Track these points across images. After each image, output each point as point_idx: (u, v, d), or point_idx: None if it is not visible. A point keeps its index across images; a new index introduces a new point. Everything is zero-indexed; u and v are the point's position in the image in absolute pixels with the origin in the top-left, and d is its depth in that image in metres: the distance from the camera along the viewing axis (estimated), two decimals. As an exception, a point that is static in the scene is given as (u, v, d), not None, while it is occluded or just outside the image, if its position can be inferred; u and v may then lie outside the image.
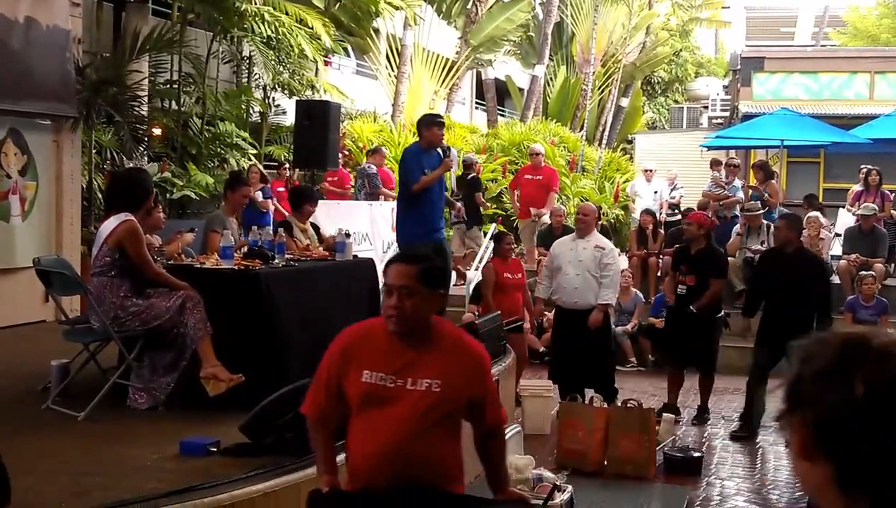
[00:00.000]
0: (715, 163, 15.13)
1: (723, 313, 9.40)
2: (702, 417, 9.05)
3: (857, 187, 14.17)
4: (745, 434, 8.58)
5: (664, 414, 8.34)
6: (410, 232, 8.24)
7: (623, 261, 13.07)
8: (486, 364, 3.62)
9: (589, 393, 8.26)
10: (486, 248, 14.36)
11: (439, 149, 8.61)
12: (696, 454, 7.56)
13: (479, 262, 13.90)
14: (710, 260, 9.03)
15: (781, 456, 7.99)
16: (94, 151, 12.69)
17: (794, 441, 1.41)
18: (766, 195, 13.08)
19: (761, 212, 12.43)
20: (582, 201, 17.28)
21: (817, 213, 13.06)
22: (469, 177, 14.57)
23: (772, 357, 8.50)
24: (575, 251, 8.63)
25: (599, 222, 12.74)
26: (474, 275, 13.15)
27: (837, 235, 14.05)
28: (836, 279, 11.80)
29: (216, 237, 6.68)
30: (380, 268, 10.83)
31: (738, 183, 14.14)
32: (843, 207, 14.69)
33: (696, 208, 13.27)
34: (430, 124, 9.03)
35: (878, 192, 13.40)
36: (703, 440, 8.41)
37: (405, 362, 3.40)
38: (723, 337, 9.54)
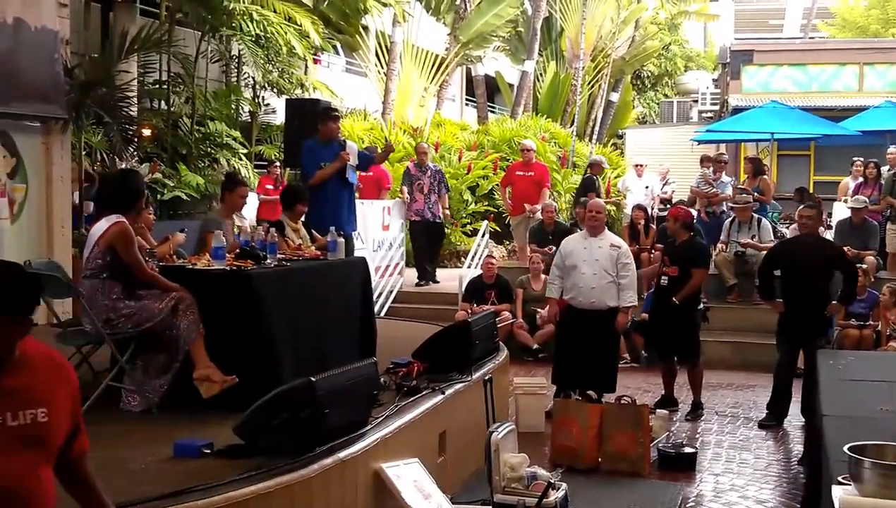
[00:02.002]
0: (704, 160, 15.18)
1: (702, 306, 9.50)
2: (695, 412, 9.05)
3: (848, 180, 14.21)
4: (773, 422, 8.80)
5: (658, 410, 8.35)
6: (316, 227, 8.18)
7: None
8: (77, 383, 3.06)
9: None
10: (479, 246, 14.38)
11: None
12: (690, 450, 7.57)
13: (472, 260, 13.92)
14: (692, 250, 9.06)
15: (774, 451, 8.02)
16: (83, 153, 12.66)
17: None
18: (756, 193, 13.12)
19: (750, 204, 12.47)
20: (574, 197, 17.28)
21: (808, 206, 13.08)
22: (585, 176, 15.10)
23: (793, 347, 8.74)
24: (589, 250, 8.35)
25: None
26: (467, 273, 13.16)
27: (829, 227, 14.10)
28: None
29: (211, 237, 6.69)
30: (372, 267, 10.86)
31: (726, 178, 14.21)
32: (835, 200, 14.75)
33: (685, 202, 13.34)
34: (325, 118, 9.04)
35: (876, 184, 13.44)
36: (697, 435, 8.42)
37: None
38: (714, 332, 9.57)
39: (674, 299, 8.81)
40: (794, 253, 8.94)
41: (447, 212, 14.48)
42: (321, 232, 7.74)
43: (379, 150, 10.36)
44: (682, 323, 8.95)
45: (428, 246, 14.25)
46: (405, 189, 13.97)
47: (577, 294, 8.38)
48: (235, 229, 7.20)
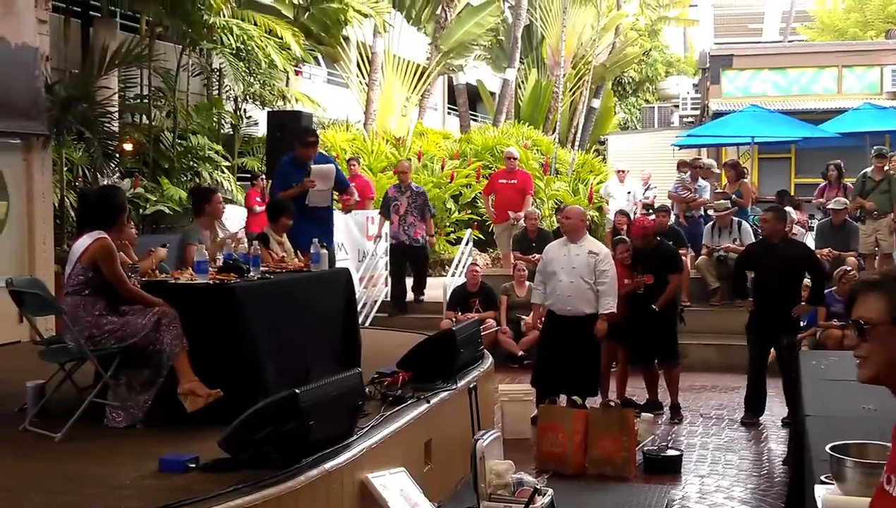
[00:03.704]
0: (682, 165, 15.27)
1: (680, 308, 9.68)
2: (677, 415, 9.10)
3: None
4: (752, 420, 8.99)
5: (643, 414, 8.39)
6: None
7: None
8: None
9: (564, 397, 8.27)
10: (462, 254, 14.40)
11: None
12: (675, 452, 7.60)
13: (456, 268, 13.94)
14: (665, 257, 9.16)
15: (759, 452, 8.06)
16: (65, 169, 12.65)
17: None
18: (735, 196, 13.20)
19: (730, 210, 12.55)
20: (557, 204, 17.35)
21: (789, 208, 13.16)
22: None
23: (763, 345, 8.90)
24: (568, 257, 8.37)
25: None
26: (451, 282, 13.18)
27: (811, 229, 14.19)
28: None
29: (193, 249, 6.70)
30: (356, 278, 10.84)
31: (703, 182, 14.29)
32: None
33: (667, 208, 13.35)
34: (300, 142, 9.07)
35: (839, 186, 13.57)
36: (682, 438, 8.46)
37: None
38: (698, 335, 9.65)
39: (653, 306, 8.89)
40: (761, 254, 9.09)
41: (431, 237, 13.47)
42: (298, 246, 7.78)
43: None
44: (664, 327, 9.05)
45: (411, 269, 13.48)
46: (383, 214, 13.29)
47: (556, 300, 8.43)
48: (219, 241, 7.21)
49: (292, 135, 9.94)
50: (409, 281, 13.57)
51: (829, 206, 12.78)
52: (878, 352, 2.22)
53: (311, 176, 8.99)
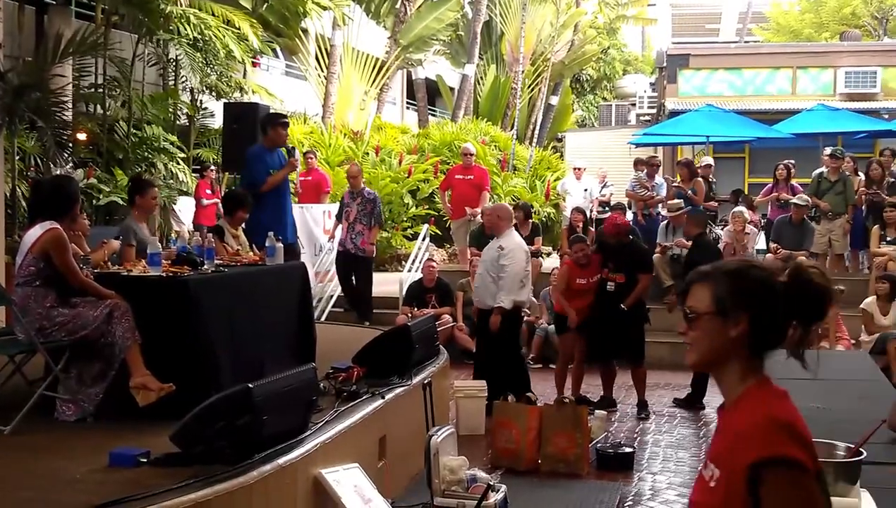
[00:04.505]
0: (638, 163, 15.37)
1: (647, 307, 9.72)
2: (644, 411, 9.18)
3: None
4: (685, 404, 9.48)
5: (596, 411, 8.44)
6: (264, 235, 8.09)
7: (555, 260, 13.19)
8: None
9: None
10: (419, 249, 14.39)
11: (285, 150, 8.79)
12: (628, 449, 7.66)
13: (413, 263, 13.93)
14: (638, 256, 9.24)
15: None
16: (17, 158, 12.47)
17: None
18: (690, 193, 13.31)
19: (682, 210, 12.64)
20: (514, 200, 17.40)
21: (742, 208, 13.30)
22: None
23: None
24: (487, 251, 8.86)
25: (530, 221, 12.89)
26: (407, 277, 13.16)
27: (763, 229, 14.35)
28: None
29: (131, 250, 6.63)
30: (312, 272, 10.80)
31: (659, 179, 14.40)
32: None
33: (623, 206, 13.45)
34: (274, 124, 9.02)
35: (787, 186, 13.74)
36: (635, 435, 8.52)
37: None
38: (653, 333, 9.76)
39: (622, 306, 8.96)
40: None
41: (371, 246, 12.35)
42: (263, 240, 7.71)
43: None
44: (632, 326, 9.14)
45: (354, 281, 12.43)
46: (339, 219, 12.71)
47: (473, 293, 9.07)
48: (173, 234, 7.15)
49: (250, 124, 9.87)
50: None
51: (792, 201, 12.90)
52: (702, 340, 2.32)
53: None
